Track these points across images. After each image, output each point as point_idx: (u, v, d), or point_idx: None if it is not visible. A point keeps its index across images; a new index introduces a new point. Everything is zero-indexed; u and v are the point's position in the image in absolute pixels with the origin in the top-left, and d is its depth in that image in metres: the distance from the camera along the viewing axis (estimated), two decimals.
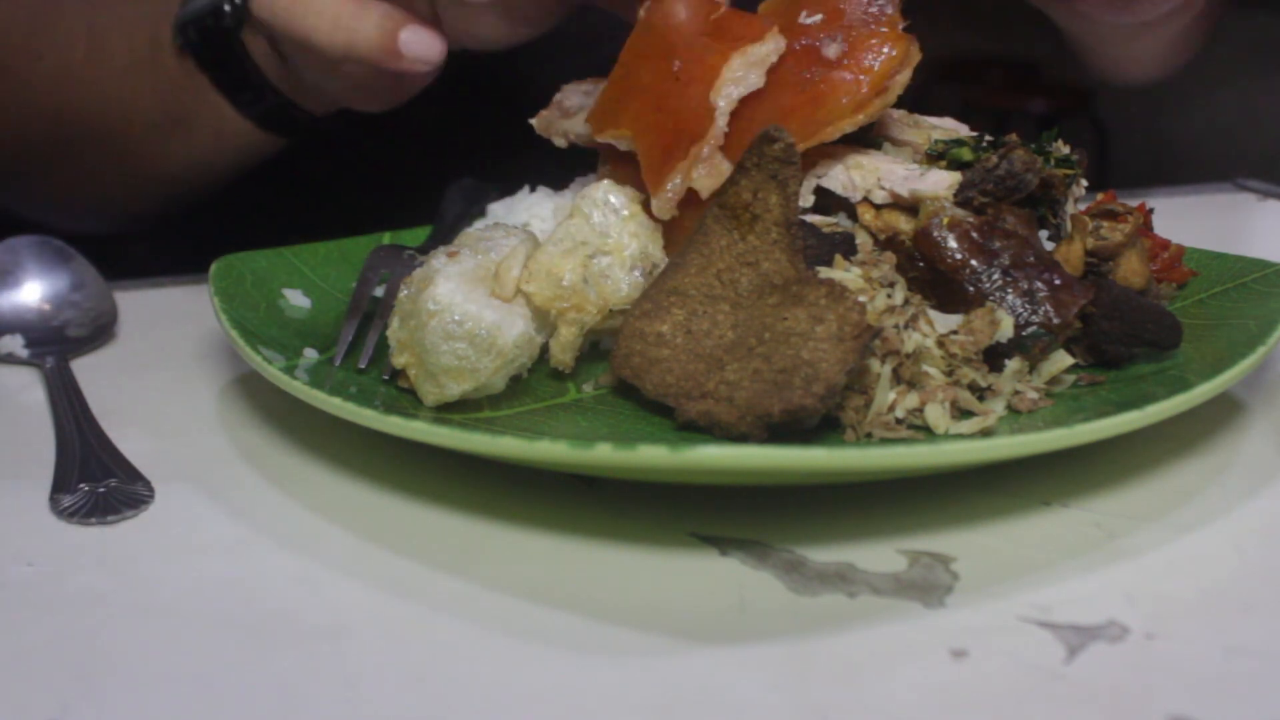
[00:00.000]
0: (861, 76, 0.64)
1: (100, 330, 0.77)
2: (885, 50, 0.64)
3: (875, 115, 0.64)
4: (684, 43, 0.64)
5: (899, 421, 0.57)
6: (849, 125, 0.64)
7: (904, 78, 0.64)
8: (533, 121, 0.74)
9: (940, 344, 0.58)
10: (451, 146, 1.09)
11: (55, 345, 0.74)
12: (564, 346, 0.62)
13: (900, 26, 0.65)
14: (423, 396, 0.59)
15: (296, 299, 0.71)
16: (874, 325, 0.54)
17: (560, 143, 0.72)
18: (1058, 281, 0.60)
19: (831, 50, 0.64)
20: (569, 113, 0.73)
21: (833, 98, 0.64)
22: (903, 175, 0.65)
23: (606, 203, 0.63)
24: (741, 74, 0.63)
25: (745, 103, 0.64)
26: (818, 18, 0.66)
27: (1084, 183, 0.68)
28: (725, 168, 0.62)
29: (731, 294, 0.58)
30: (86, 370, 0.72)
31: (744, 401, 0.54)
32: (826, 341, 0.54)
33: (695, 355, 0.57)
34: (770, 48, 0.63)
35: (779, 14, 0.68)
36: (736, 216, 0.59)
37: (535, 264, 0.62)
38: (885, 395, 0.57)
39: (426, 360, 0.59)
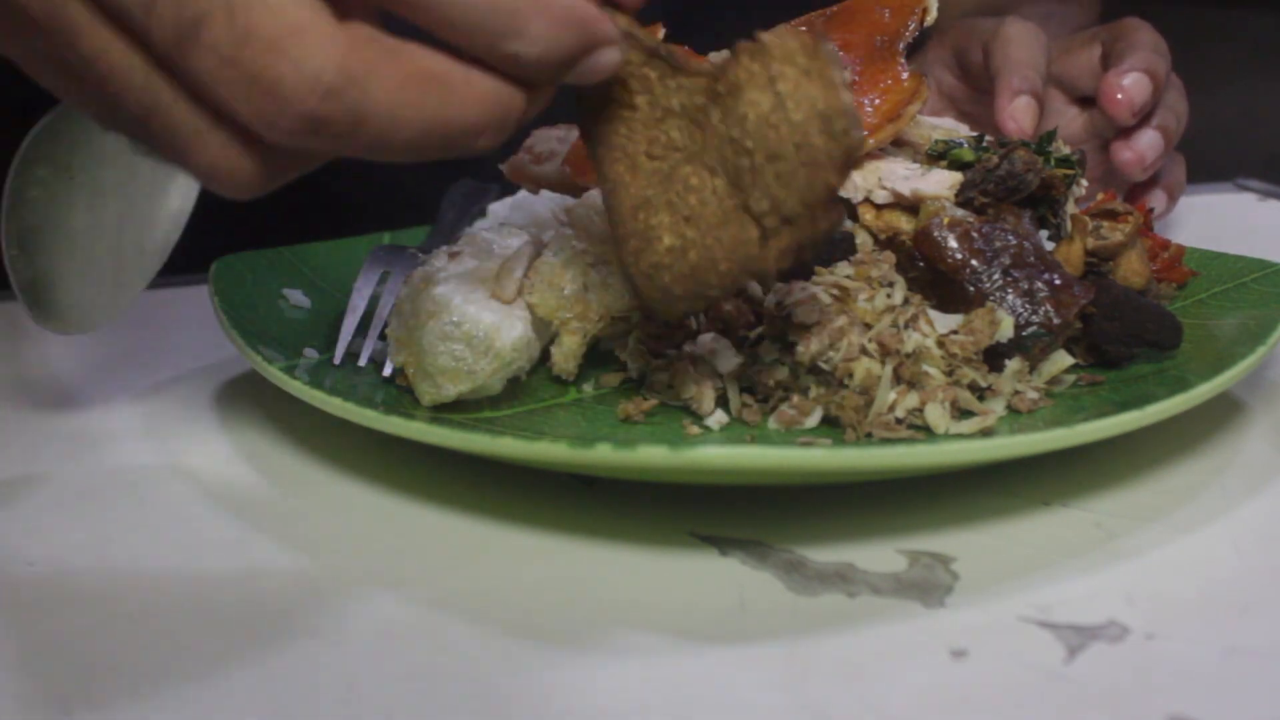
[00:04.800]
0: (872, 103, 0.65)
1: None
2: (895, 84, 0.65)
3: (885, 141, 0.65)
4: None
5: (899, 421, 0.57)
6: None
7: (915, 109, 0.65)
8: (502, 167, 0.72)
9: (940, 344, 0.58)
10: None
11: None
12: (567, 356, 0.62)
13: (904, 72, 0.65)
14: (419, 396, 0.59)
15: (296, 299, 0.71)
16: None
17: (531, 189, 0.71)
18: (1058, 281, 0.60)
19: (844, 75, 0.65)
20: (541, 158, 0.72)
21: None
22: (904, 175, 0.65)
23: (604, 209, 0.63)
24: None
25: None
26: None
27: (1084, 182, 0.68)
28: None
29: (675, 154, 0.49)
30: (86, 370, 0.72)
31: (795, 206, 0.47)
32: (798, 91, 0.46)
33: (714, 224, 0.49)
34: None
35: None
36: (604, 99, 0.50)
37: (536, 275, 0.61)
38: (885, 395, 0.57)
39: (423, 360, 0.59)
